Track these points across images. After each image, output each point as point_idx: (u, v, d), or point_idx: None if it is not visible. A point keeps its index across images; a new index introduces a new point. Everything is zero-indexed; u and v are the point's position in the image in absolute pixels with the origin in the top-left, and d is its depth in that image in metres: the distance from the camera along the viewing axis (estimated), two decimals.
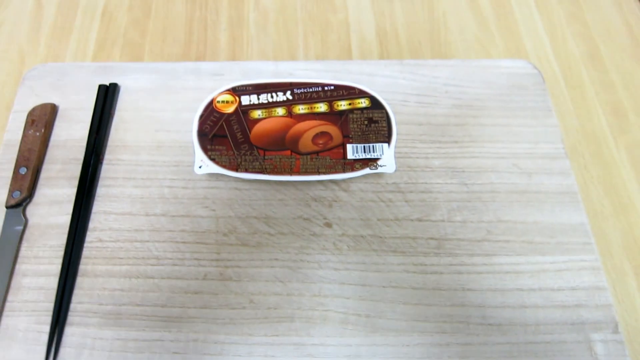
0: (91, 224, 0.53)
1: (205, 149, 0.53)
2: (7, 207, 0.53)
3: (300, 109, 0.55)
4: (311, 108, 0.55)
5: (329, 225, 0.53)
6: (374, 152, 0.53)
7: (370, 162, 0.53)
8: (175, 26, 0.67)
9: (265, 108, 0.55)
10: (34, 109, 0.58)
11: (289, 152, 0.53)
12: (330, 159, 0.53)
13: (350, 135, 0.54)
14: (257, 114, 0.55)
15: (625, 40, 0.66)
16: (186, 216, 0.54)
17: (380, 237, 0.53)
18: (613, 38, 0.66)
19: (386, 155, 0.53)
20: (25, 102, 0.59)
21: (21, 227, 0.53)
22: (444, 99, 0.59)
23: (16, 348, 0.48)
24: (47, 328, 0.49)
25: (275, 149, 0.53)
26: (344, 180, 0.55)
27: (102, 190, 0.55)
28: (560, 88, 0.63)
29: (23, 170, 0.54)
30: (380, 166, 0.52)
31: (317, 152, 0.53)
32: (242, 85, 0.56)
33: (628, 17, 0.68)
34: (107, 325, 0.49)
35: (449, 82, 0.60)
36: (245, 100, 0.55)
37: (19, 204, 0.53)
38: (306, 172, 0.52)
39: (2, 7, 0.68)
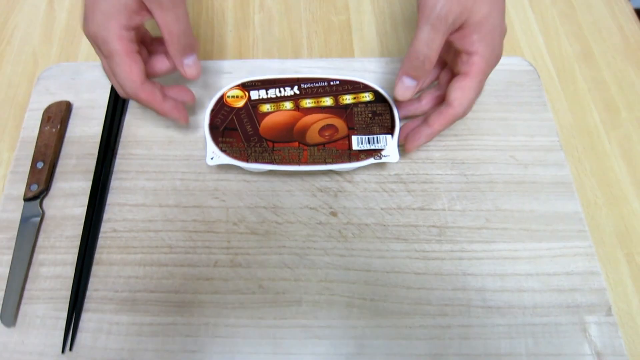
0: (106, 215, 0.55)
1: (216, 142, 0.54)
2: (25, 200, 0.55)
3: (307, 102, 0.56)
4: (317, 102, 0.56)
5: (334, 214, 0.55)
6: (378, 143, 0.54)
7: (375, 152, 0.54)
8: None
9: (273, 102, 0.56)
10: (49, 107, 0.60)
11: (296, 143, 0.54)
12: (337, 150, 0.54)
13: (355, 128, 0.55)
14: (266, 107, 0.56)
15: (616, 39, 0.69)
16: (197, 207, 0.56)
17: (384, 225, 0.55)
18: (605, 37, 0.69)
19: (390, 145, 0.54)
20: (41, 101, 0.61)
21: (38, 219, 0.55)
22: None
23: (35, 333, 0.50)
24: (64, 314, 0.50)
25: (284, 141, 0.54)
26: (348, 172, 0.57)
27: (116, 183, 0.57)
28: (554, 85, 0.65)
29: (40, 165, 0.56)
30: (384, 156, 0.54)
31: (323, 144, 0.54)
32: (251, 81, 0.57)
33: (619, 17, 0.71)
34: (123, 310, 0.51)
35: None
36: (255, 95, 0.57)
37: (37, 196, 0.55)
38: (314, 162, 0.53)
39: (15, 12, 0.71)
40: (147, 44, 0.55)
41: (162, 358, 0.49)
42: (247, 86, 0.57)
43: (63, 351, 0.49)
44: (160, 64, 0.54)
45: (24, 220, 0.54)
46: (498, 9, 0.50)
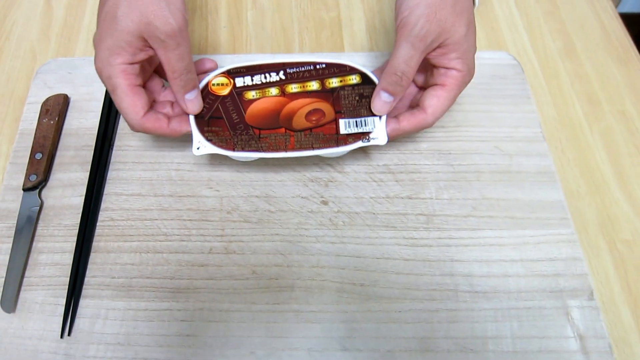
0: (103, 205, 0.57)
1: (202, 131, 0.53)
2: (24, 190, 0.56)
3: (293, 87, 0.56)
4: (303, 87, 0.56)
5: (325, 203, 0.57)
6: (365, 125, 0.54)
7: (363, 135, 0.54)
8: None
9: (259, 89, 0.56)
10: (47, 100, 0.61)
11: (283, 130, 0.54)
12: (324, 135, 0.54)
13: (343, 111, 0.55)
14: (251, 94, 0.56)
15: (598, 35, 0.71)
16: (192, 196, 0.57)
17: (373, 214, 0.56)
18: (587, 34, 0.71)
19: (378, 128, 0.54)
20: (39, 94, 0.63)
21: (37, 208, 0.56)
22: None
23: (34, 319, 0.51)
24: (63, 300, 0.52)
25: (270, 128, 0.54)
26: (338, 163, 0.59)
27: (113, 173, 0.58)
28: (538, 79, 0.67)
29: (38, 156, 0.58)
30: (373, 139, 0.53)
31: (310, 129, 0.54)
32: (237, 68, 0.57)
33: (601, 14, 0.73)
34: (119, 296, 0.52)
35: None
36: (240, 82, 0.56)
37: (35, 186, 0.57)
38: (301, 148, 0.53)
39: (14, 8, 0.72)
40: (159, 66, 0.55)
41: (157, 342, 0.50)
42: (232, 73, 0.57)
43: (62, 336, 0.50)
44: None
45: (23, 209, 0.56)
46: (472, 30, 0.52)
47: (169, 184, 0.58)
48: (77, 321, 0.51)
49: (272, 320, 0.51)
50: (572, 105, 0.65)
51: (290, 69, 0.57)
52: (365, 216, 0.56)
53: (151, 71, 0.56)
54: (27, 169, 0.57)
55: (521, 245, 0.55)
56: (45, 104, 0.61)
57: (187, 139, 0.56)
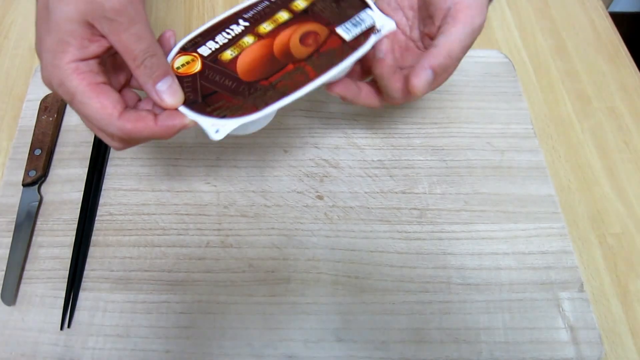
0: (102, 200, 0.58)
1: (207, 113, 0.44)
2: (23, 185, 0.57)
3: (266, 27, 0.49)
4: (275, 21, 0.49)
5: (320, 197, 0.58)
6: (364, 21, 0.49)
7: (369, 30, 0.49)
8: (174, 24, 0.72)
9: (231, 45, 0.48)
10: (46, 97, 0.62)
11: (291, 65, 0.47)
12: (334, 49, 0.48)
13: (331, 22, 0.49)
14: (228, 54, 0.47)
15: (588, 34, 0.72)
16: (189, 191, 0.58)
17: (368, 208, 0.57)
18: (577, 32, 0.72)
19: (377, 17, 0.49)
20: (38, 92, 0.63)
21: (37, 203, 0.57)
22: None
23: (34, 312, 0.52)
24: (62, 293, 0.52)
25: (276, 71, 0.47)
26: (333, 158, 0.60)
27: (111, 169, 0.59)
28: (529, 77, 0.68)
29: (38, 152, 0.58)
30: (381, 28, 0.49)
31: (317, 50, 0.48)
32: (189, 41, 0.48)
33: (591, 13, 0.74)
34: (118, 289, 0.53)
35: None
36: (204, 50, 0.48)
37: (35, 182, 0.57)
38: (323, 70, 0.46)
39: (12, 8, 0.73)
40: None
41: (156, 334, 0.51)
42: (188, 48, 0.48)
43: (62, 328, 0.51)
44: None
45: (23, 204, 0.56)
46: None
47: (166, 179, 0.59)
48: (77, 313, 0.52)
49: (269, 312, 0.52)
50: (563, 103, 0.66)
51: (246, 13, 0.50)
52: (359, 210, 0.57)
53: (122, 83, 0.46)
54: (26, 165, 0.58)
55: (513, 239, 0.56)
56: (44, 101, 0.62)
57: (184, 134, 0.56)
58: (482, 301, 0.53)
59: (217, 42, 0.48)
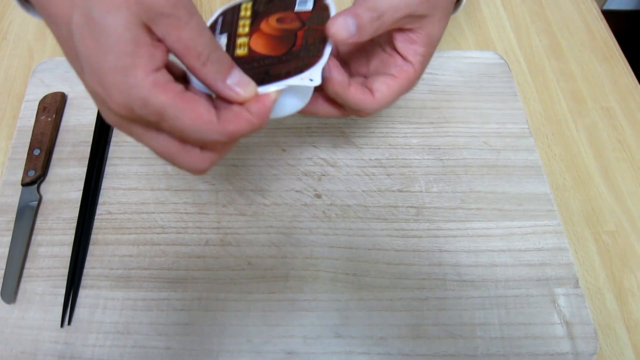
0: (101, 199, 0.58)
1: (283, 77, 0.40)
2: (22, 185, 0.58)
3: (243, 28, 0.44)
4: (244, 18, 0.45)
5: (318, 196, 0.58)
6: None
7: None
8: None
9: (234, 47, 0.43)
10: (45, 97, 0.62)
11: (300, 32, 0.43)
12: (311, 15, 0.44)
13: (286, 7, 0.45)
14: (239, 51, 0.43)
15: (583, 35, 0.73)
16: (188, 190, 0.58)
17: (365, 206, 0.58)
18: (572, 33, 0.73)
19: None
20: (36, 92, 0.64)
21: (36, 202, 0.57)
22: (420, 85, 0.65)
23: (34, 309, 0.52)
24: (62, 291, 0.52)
25: (295, 40, 0.43)
26: (331, 157, 0.61)
27: (110, 169, 0.60)
28: (525, 77, 0.69)
29: (37, 152, 0.59)
30: None
31: (304, 20, 0.44)
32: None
33: (585, 14, 0.75)
34: (118, 287, 0.53)
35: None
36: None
37: (34, 181, 0.58)
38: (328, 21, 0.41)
39: (10, 9, 0.73)
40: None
41: (156, 331, 0.51)
42: None
43: (62, 325, 0.51)
44: None
45: (22, 203, 0.57)
46: (440, 37, 0.46)
47: (165, 178, 0.59)
48: (77, 311, 0.52)
49: (268, 309, 0.52)
50: (558, 102, 0.67)
51: (213, 31, 0.45)
52: (357, 209, 0.58)
53: None
54: (25, 165, 0.58)
55: (509, 236, 0.57)
56: (42, 101, 0.62)
57: None
58: (478, 297, 0.53)
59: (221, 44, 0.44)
